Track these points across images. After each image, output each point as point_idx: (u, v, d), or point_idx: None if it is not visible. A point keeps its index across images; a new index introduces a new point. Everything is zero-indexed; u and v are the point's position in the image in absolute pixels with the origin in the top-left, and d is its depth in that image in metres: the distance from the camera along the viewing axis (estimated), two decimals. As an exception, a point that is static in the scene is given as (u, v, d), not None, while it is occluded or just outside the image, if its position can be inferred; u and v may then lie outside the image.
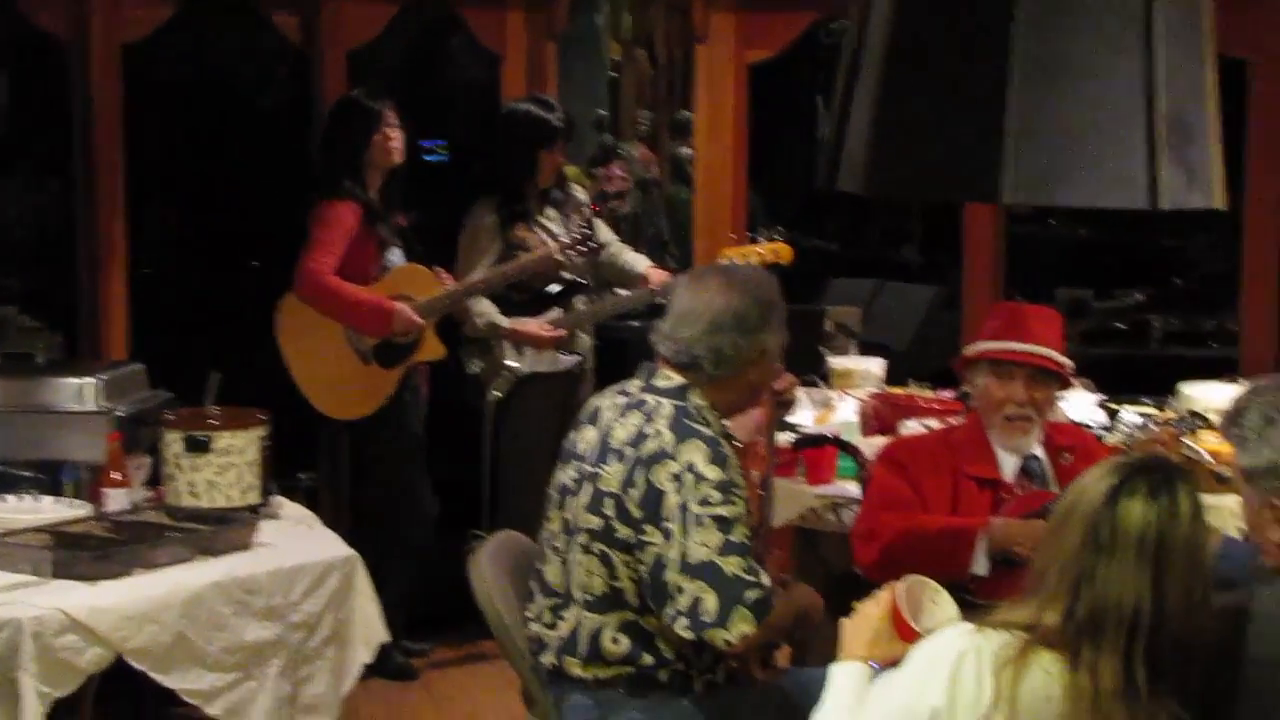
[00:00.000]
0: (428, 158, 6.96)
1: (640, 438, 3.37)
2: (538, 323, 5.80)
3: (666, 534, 3.28)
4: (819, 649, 4.41)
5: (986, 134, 3.71)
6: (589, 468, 3.43)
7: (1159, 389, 5.54)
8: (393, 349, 5.66)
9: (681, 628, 3.25)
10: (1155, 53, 3.71)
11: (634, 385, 3.53)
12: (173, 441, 4.44)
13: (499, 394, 5.62)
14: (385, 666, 5.58)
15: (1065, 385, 4.21)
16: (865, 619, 2.89)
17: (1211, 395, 5.05)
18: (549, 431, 5.71)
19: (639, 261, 6.07)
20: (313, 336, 5.62)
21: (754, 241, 5.59)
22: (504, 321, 5.78)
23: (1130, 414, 5.11)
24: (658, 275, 5.93)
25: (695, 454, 3.31)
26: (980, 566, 3.79)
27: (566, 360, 5.86)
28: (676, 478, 3.30)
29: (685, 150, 8.59)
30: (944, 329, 7.96)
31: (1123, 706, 2.53)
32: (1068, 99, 3.73)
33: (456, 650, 6.05)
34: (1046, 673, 2.55)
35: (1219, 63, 3.92)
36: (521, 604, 3.63)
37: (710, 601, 3.23)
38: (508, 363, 5.74)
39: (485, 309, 5.77)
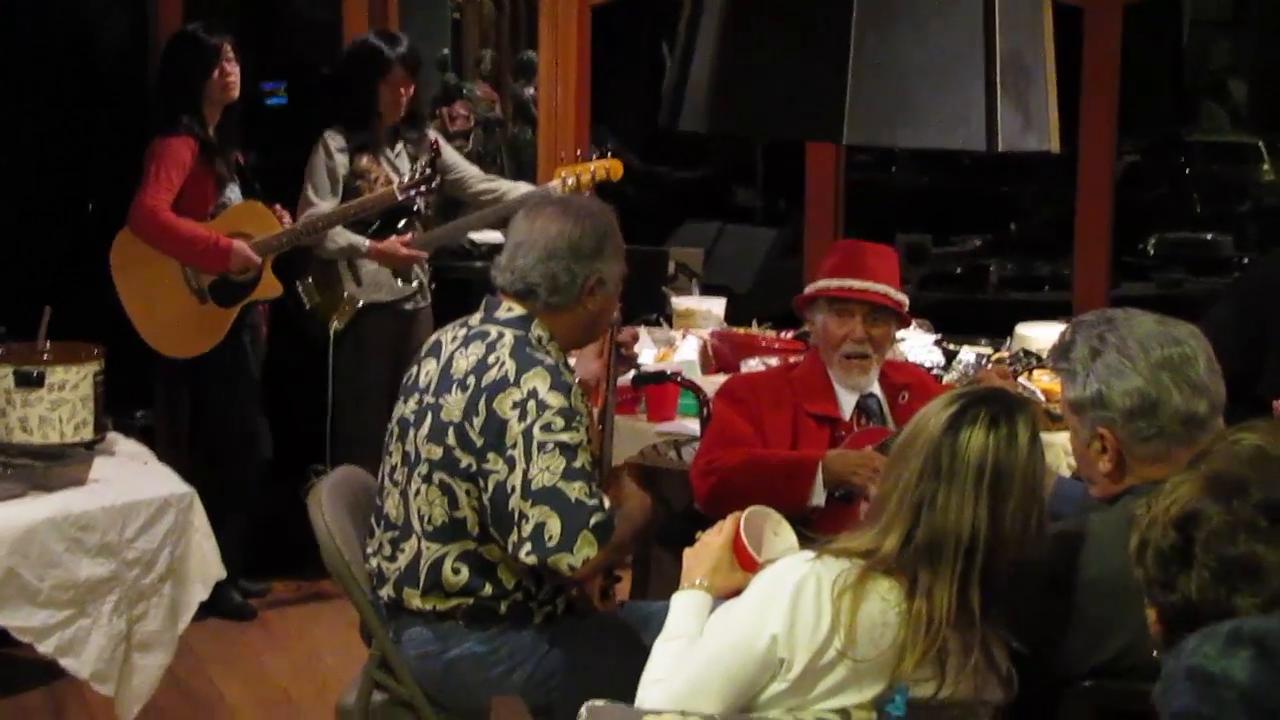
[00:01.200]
0: (268, 100, 6.84)
1: (482, 367, 3.36)
2: (396, 241, 5.76)
3: (510, 461, 3.28)
4: (657, 584, 4.47)
5: (829, 73, 3.75)
6: (430, 398, 3.42)
7: (996, 332, 5.65)
8: (230, 287, 5.59)
9: (525, 554, 3.26)
10: (993, -5, 3.76)
11: (475, 318, 3.52)
12: (3, 376, 4.33)
13: (339, 325, 5.58)
14: (223, 606, 5.55)
15: (904, 323, 4.26)
16: (707, 548, 2.91)
17: (1047, 336, 5.13)
18: (386, 367, 5.71)
19: (518, 188, 6.04)
20: (148, 273, 5.53)
21: (587, 159, 5.61)
22: (364, 243, 5.74)
23: (967, 353, 5.20)
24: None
25: (538, 381, 3.31)
26: (818, 497, 3.83)
27: (405, 289, 5.82)
28: (519, 405, 3.30)
29: (529, 91, 8.57)
30: (785, 273, 8.03)
31: (957, 632, 2.58)
32: (909, 40, 3.78)
33: (295, 590, 6.01)
34: (884, 599, 2.59)
35: (1054, 9, 3.98)
36: (361, 540, 3.62)
37: (554, 526, 3.24)
38: (346, 293, 5.71)
39: (343, 231, 5.72)
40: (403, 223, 5.82)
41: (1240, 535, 1.93)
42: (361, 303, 5.75)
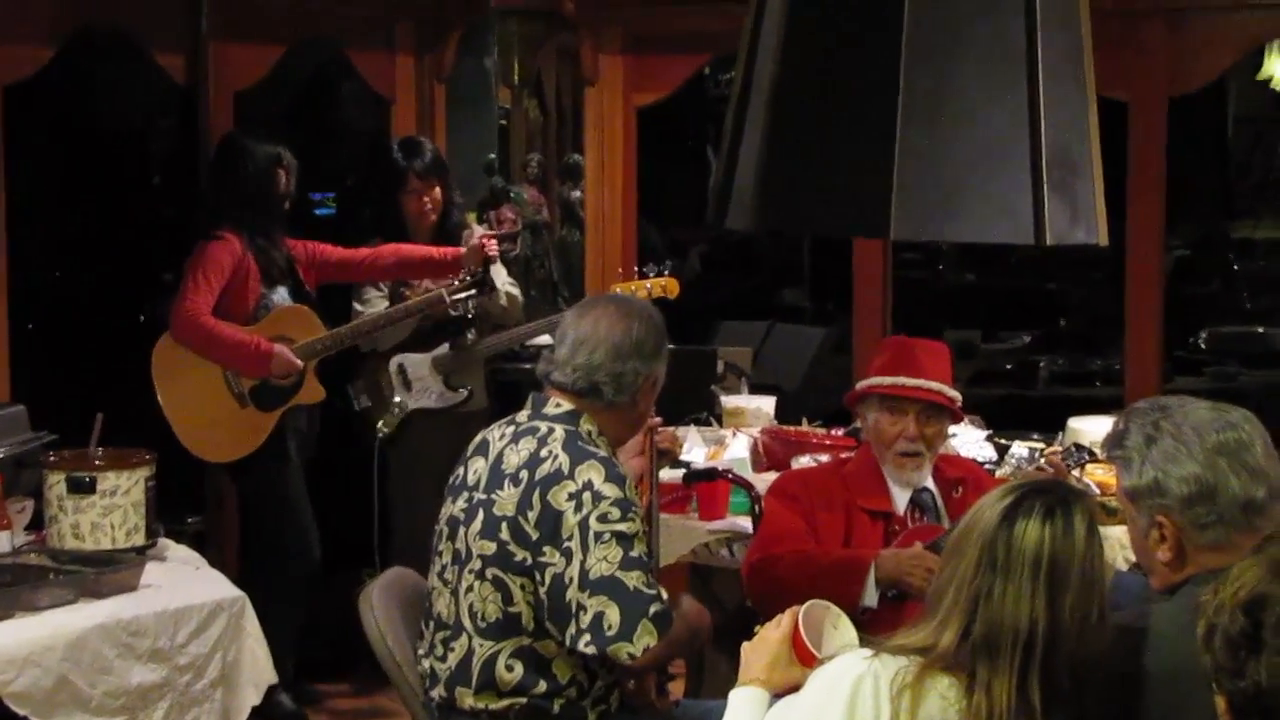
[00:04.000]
0: (317, 210, 6.91)
1: (535, 461, 3.36)
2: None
3: (567, 554, 3.27)
4: (711, 682, 4.42)
5: (874, 169, 3.73)
6: (481, 495, 3.41)
7: (1047, 428, 5.60)
8: (271, 391, 5.59)
9: (584, 644, 3.24)
10: (1038, 88, 3.75)
11: (523, 415, 3.52)
12: (55, 483, 4.35)
13: (386, 430, 5.60)
14: (274, 712, 5.51)
15: (956, 419, 4.24)
16: (765, 643, 2.87)
17: (1100, 430, 5.09)
18: (439, 470, 5.69)
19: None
20: (189, 377, 5.52)
21: (643, 277, 5.62)
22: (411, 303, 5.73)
23: (1019, 448, 5.16)
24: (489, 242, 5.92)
25: (593, 473, 3.31)
26: (870, 598, 3.80)
27: (454, 396, 5.83)
28: (574, 497, 3.29)
29: (575, 193, 8.62)
30: (834, 371, 8.02)
31: (1018, 729, 2.54)
32: (954, 134, 3.76)
33: (349, 696, 5.98)
34: (943, 697, 2.56)
35: (1099, 103, 3.97)
36: (413, 641, 3.60)
37: (614, 615, 3.22)
38: (396, 399, 5.72)
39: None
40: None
41: None
42: (410, 408, 5.76)
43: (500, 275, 5.98)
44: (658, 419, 3.75)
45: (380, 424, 5.62)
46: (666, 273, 5.74)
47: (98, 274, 6.85)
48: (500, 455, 3.44)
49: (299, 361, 5.55)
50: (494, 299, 5.89)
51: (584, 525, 3.26)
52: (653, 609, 3.24)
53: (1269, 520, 2.57)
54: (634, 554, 3.27)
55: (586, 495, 3.29)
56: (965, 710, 2.55)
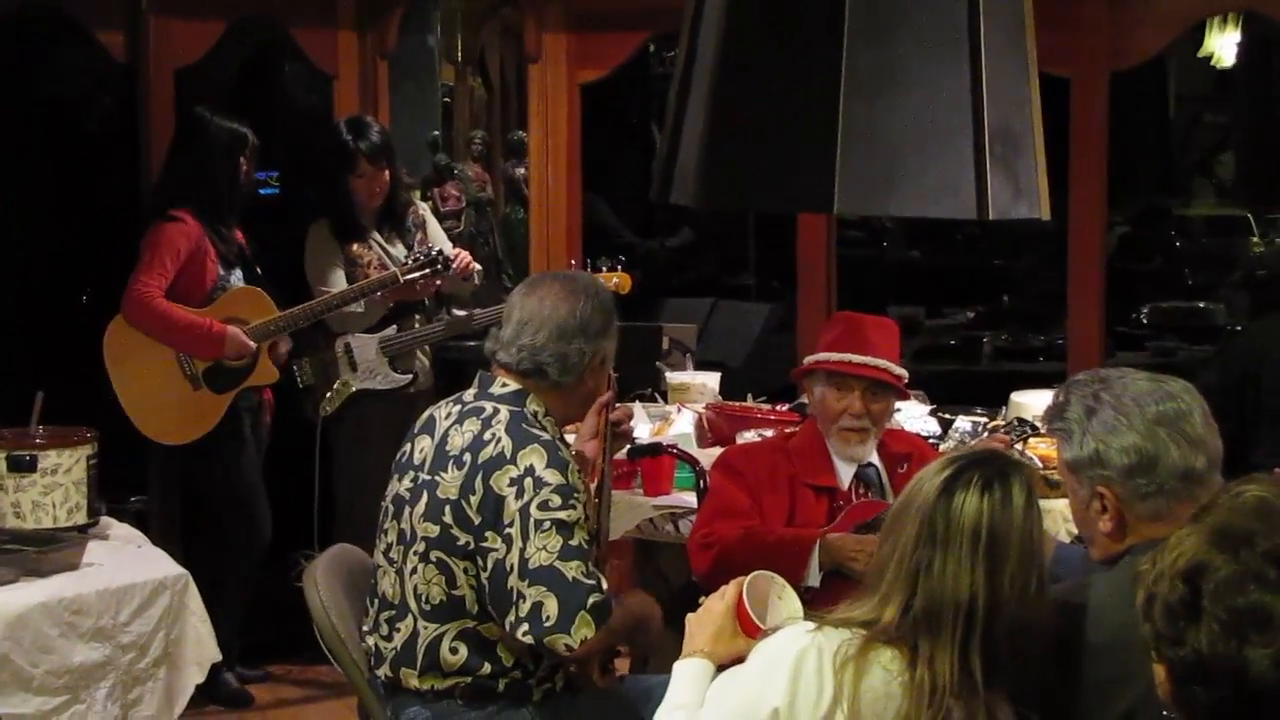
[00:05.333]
0: (261, 190, 6.87)
1: (479, 444, 3.35)
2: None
3: (508, 540, 3.25)
4: (658, 659, 4.43)
5: (818, 145, 3.74)
6: (425, 476, 3.40)
7: (990, 403, 5.63)
8: (224, 373, 5.57)
9: (522, 633, 3.23)
10: (981, 64, 3.76)
11: (469, 394, 3.51)
12: (-5, 462, 4.33)
13: (328, 409, 5.58)
14: (219, 692, 5.50)
15: (902, 396, 4.25)
16: (710, 614, 2.87)
17: (1042, 404, 5.10)
18: (385, 451, 5.67)
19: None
20: (141, 359, 5.51)
21: (595, 270, 5.62)
22: (378, 294, 5.71)
23: (963, 422, 5.18)
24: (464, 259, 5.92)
25: (534, 458, 3.30)
26: (813, 578, 3.81)
27: (399, 379, 5.81)
28: (516, 482, 3.28)
29: (519, 170, 8.60)
30: (778, 348, 8.03)
31: (960, 700, 2.55)
32: (897, 109, 3.77)
33: (293, 675, 5.95)
34: (886, 670, 2.56)
35: (1041, 79, 3.99)
36: (358, 618, 3.59)
37: (551, 606, 3.21)
38: (341, 378, 5.71)
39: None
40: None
41: (1249, 585, 1.91)
42: (355, 388, 5.75)
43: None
44: (610, 394, 3.73)
45: (323, 403, 5.61)
46: (620, 267, 5.73)
47: (38, 253, 6.79)
48: (445, 436, 3.42)
49: (252, 343, 5.52)
50: (467, 283, 5.89)
51: (525, 512, 3.25)
52: (590, 600, 3.22)
53: (1208, 490, 2.59)
54: (574, 543, 3.25)
55: (528, 481, 3.27)
56: (908, 683, 2.55)
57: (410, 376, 5.84)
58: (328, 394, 5.67)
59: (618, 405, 3.94)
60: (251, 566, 5.72)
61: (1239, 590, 1.91)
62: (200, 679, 4.31)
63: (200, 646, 4.27)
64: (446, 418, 3.48)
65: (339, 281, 5.74)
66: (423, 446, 3.47)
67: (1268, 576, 1.91)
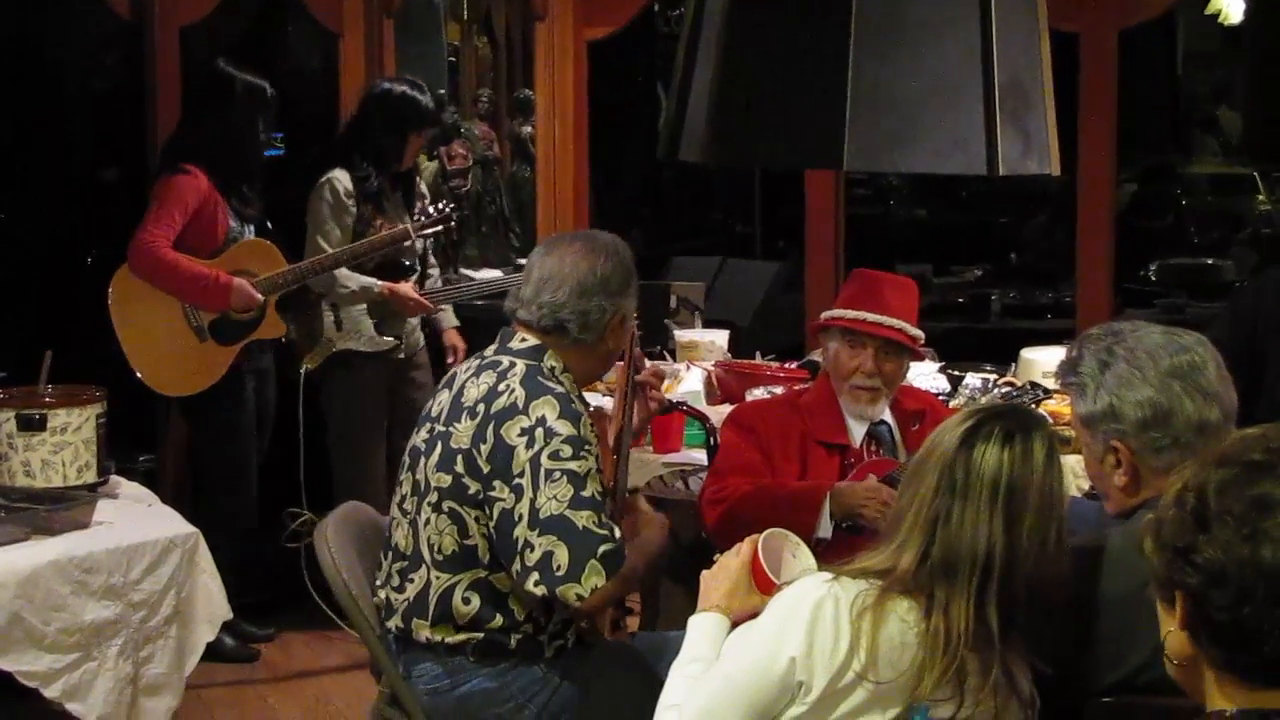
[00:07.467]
0: (265, 152, 6.87)
1: (492, 394, 3.35)
2: (412, 287, 5.74)
3: (516, 490, 3.25)
4: (668, 615, 4.44)
5: (827, 100, 3.73)
6: (440, 427, 3.40)
7: (999, 360, 5.63)
8: (231, 325, 5.55)
9: (532, 583, 3.22)
10: (991, 20, 3.74)
11: (490, 350, 3.51)
12: (5, 420, 4.32)
13: (310, 365, 5.57)
14: (223, 650, 5.48)
15: (917, 357, 4.23)
16: (724, 570, 2.88)
17: (1052, 360, 5.10)
18: (379, 409, 5.70)
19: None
20: (146, 310, 5.47)
21: None
22: (377, 284, 5.70)
23: (973, 378, 5.18)
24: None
25: (546, 409, 3.29)
26: (825, 530, 3.80)
27: (382, 341, 5.77)
28: (526, 432, 3.28)
29: (526, 129, 8.57)
30: (787, 306, 8.01)
31: (975, 651, 2.55)
32: (906, 66, 3.76)
33: (301, 632, 5.96)
34: (902, 619, 2.57)
35: (1050, 35, 3.97)
36: (369, 574, 3.59)
37: (562, 555, 3.20)
38: (324, 336, 5.69)
39: (352, 275, 5.68)
40: (406, 263, 5.80)
41: (1255, 477, 1.87)
42: (336, 347, 5.72)
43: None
44: (637, 351, 3.72)
45: (305, 360, 5.59)
46: None
47: (45, 212, 6.79)
48: (462, 388, 3.43)
49: (259, 295, 5.50)
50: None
51: (535, 462, 3.25)
52: (602, 549, 3.22)
53: (1222, 442, 2.58)
54: (585, 493, 3.24)
55: (539, 431, 3.27)
56: (924, 632, 2.56)
57: (394, 341, 5.79)
58: (312, 350, 5.66)
59: (651, 365, 3.94)
60: (242, 519, 5.70)
61: (1245, 484, 1.88)
62: (211, 637, 4.31)
63: (211, 604, 4.27)
64: (466, 370, 3.49)
65: (336, 242, 5.68)
66: (441, 400, 3.48)
67: (1274, 469, 1.89)
